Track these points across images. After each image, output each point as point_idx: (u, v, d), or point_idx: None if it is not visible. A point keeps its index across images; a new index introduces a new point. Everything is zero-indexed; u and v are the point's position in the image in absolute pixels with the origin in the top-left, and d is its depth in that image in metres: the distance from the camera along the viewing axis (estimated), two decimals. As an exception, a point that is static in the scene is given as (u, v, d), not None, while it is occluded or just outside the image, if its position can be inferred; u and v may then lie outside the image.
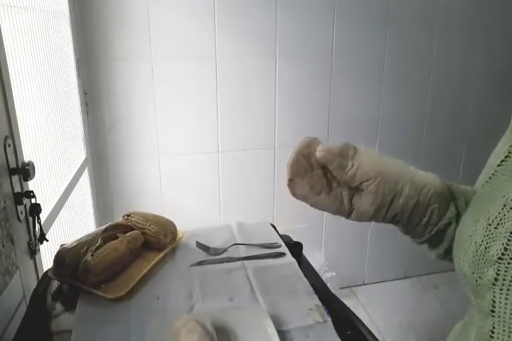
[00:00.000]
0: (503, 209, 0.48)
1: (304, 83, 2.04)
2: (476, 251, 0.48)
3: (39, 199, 1.06)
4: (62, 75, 1.52)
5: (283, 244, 1.00)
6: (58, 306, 0.86)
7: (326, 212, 0.76)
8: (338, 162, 0.58)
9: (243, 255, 0.96)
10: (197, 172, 2.03)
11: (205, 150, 2.02)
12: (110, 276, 0.86)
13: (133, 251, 0.92)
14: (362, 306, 2.30)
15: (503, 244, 0.45)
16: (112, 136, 1.91)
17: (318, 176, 0.61)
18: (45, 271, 0.95)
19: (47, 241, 1.08)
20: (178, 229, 1.02)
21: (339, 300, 0.84)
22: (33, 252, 1.05)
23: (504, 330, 0.46)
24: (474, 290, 0.49)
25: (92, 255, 0.84)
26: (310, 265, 0.99)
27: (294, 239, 1.06)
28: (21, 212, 0.98)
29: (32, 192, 1.01)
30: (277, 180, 2.14)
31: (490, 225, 0.48)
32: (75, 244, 0.87)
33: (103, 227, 0.93)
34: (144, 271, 0.87)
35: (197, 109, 1.96)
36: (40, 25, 1.29)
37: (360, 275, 2.49)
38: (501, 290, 0.45)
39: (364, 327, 0.76)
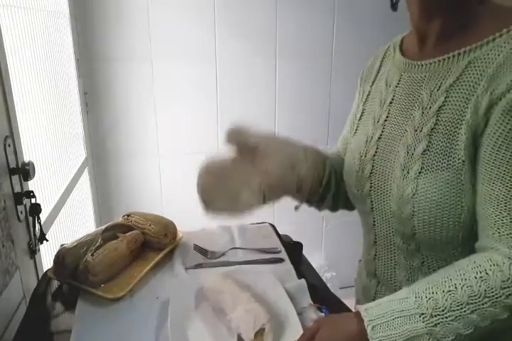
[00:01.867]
0: (366, 143, 0.76)
1: (304, 83, 2.04)
2: (357, 175, 0.76)
3: (39, 199, 1.06)
4: (62, 75, 1.52)
5: (283, 249, 0.99)
6: (58, 306, 0.86)
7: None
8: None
9: (241, 259, 0.95)
10: (197, 173, 2.02)
11: (205, 150, 2.02)
12: (110, 276, 0.85)
13: (133, 251, 0.92)
14: (362, 306, 2.29)
15: (371, 164, 0.73)
16: (112, 136, 1.91)
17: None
18: (45, 271, 0.95)
19: (47, 241, 1.08)
20: (178, 229, 1.02)
21: (339, 300, 0.84)
22: (33, 252, 1.05)
23: (381, 219, 0.74)
24: (358, 200, 0.77)
25: (92, 255, 0.84)
26: (310, 265, 0.98)
27: (294, 239, 1.06)
28: (21, 212, 0.98)
29: (32, 192, 1.01)
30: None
31: (361, 156, 0.75)
32: (75, 244, 0.87)
33: (103, 227, 0.93)
34: (144, 271, 0.87)
35: (197, 108, 1.96)
36: (41, 25, 1.29)
37: (360, 275, 2.49)
38: (376, 195, 0.72)
39: (364, 327, 0.76)
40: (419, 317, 0.55)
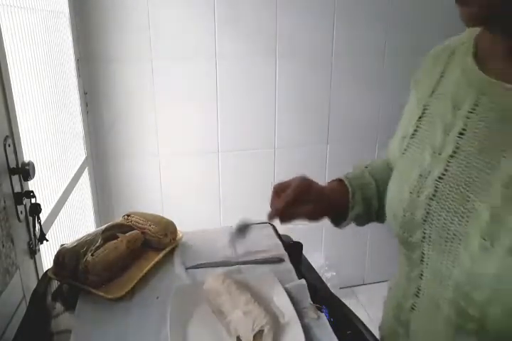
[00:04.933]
0: (419, 177, 0.58)
1: (304, 83, 2.04)
2: (404, 216, 0.59)
3: (39, 199, 1.06)
4: (62, 75, 1.52)
5: (283, 249, 0.99)
6: (58, 306, 0.86)
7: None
8: None
9: (241, 259, 0.95)
10: (197, 172, 2.03)
11: (205, 150, 2.02)
12: (110, 276, 0.85)
13: (133, 251, 0.92)
14: (362, 306, 2.30)
15: (425, 209, 0.56)
16: (112, 135, 1.91)
17: None
18: (45, 271, 0.95)
19: (47, 241, 1.08)
20: (178, 229, 1.02)
21: (339, 300, 0.84)
22: (33, 252, 1.05)
23: (432, 277, 0.57)
24: (406, 246, 0.62)
25: (92, 255, 0.84)
26: (310, 265, 0.98)
27: (294, 239, 1.06)
28: (21, 212, 0.98)
29: (32, 192, 1.01)
30: (277, 179, 2.14)
31: (411, 193, 0.58)
32: (75, 244, 0.87)
33: (103, 227, 0.93)
34: (144, 271, 0.87)
35: (197, 108, 1.96)
36: (40, 25, 1.29)
37: (360, 275, 2.49)
38: (429, 245, 0.56)
39: (364, 327, 0.76)
40: None
